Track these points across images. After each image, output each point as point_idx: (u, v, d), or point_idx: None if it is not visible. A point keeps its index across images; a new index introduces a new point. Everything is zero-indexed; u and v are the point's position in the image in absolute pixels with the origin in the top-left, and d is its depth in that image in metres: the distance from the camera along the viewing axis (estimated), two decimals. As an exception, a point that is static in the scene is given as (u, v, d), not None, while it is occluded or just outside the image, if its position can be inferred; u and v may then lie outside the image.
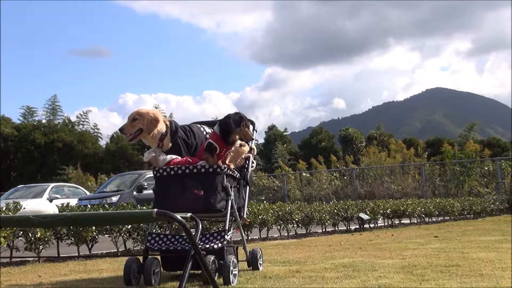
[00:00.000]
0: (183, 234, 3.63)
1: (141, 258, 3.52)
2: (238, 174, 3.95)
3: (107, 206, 6.95)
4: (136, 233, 5.96)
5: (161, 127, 3.79)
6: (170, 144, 3.83)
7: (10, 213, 5.14)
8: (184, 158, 3.77)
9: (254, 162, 4.19)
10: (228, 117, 3.74)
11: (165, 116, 4.08)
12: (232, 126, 3.66)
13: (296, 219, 8.07)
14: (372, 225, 9.35)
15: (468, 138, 41.96)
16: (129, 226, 5.84)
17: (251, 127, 3.88)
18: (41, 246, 5.35)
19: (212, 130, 4.09)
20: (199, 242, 2.72)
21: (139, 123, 3.75)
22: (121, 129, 3.80)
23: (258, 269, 4.00)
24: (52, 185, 15.95)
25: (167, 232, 3.95)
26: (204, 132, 4.10)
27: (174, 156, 3.76)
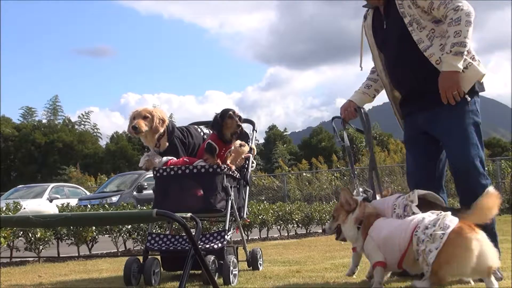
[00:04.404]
0: (183, 234, 3.63)
1: (141, 258, 3.52)
2: (238, 174, 3.95)
3: (107, 206, 6.96)
4: (136, 233, 5.96)
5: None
6: (167, 144, 3.84)
7: (10, 213, 5.14)
8: (181, 159, 3.77)
9: (254, 162, 4.19)
10: (214, 117, 3.75)
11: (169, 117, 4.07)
12: (219, 125, 3.67)
13: (296, 219, 8.07)
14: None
15: None
16: (129, 226, 5.84)
17: (235, 117, 3.79)
18: (41, 246, 5.35)
19: (210, 131, 4.11)
20: (199, 242, 2.72)
21: (150, 122, 3.74)
22: (135, 127, 3.68)
23: (258, 269, 3.99)
24: (52, 185, 15.96)
25: (167, 232, 3.96)
26: (202, 133, 4.10)
27: (170, 157, 3.76)
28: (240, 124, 3.76)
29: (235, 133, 3.79)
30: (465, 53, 2.93)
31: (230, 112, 3.70)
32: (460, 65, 2.92)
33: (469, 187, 3.02)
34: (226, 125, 3.70)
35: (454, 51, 2.90)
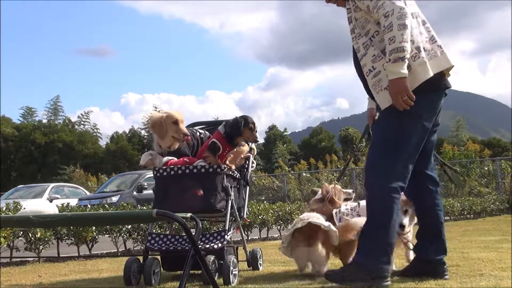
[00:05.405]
0: (183, 234, 3.63)
1: (141, 258, 3.52)
2: (238, 174, 3.95)
3: (107, 206, 6.95)
4: (136, 233, 5.96)
5: None
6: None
7: (10, 213, 5.14)
8: (182, 159, 3.77)
9: (254, 162, 4.19)
10: (234, 120, 3.75)
11: None
12: (238, 131, 3.69)
13: (296, 219, 8.06)
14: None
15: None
16: (129, 226, 5.84)
17: (256, 129, 3.87)
18: (41, 246, 5.35)
19: (205, 131, 4.10)
20: (199, 242, 2.72)
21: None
22: (187, 134, 3.75)
23: (258, 269, 4.00)
24: (52, 185, 15.96)
25: (167, 232, 3.95)
26: (198, 133, 4.09)
27: (170, 158, 3.76)
28: (257, 140, 3.84)
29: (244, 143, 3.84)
30: (407, 56, 2.83)
31: (251, 125, 3.73)
32: (404, 70, 2.84)
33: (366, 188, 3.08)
34: (243, 134, 3.72)
35: (393, 58, 2.83)
